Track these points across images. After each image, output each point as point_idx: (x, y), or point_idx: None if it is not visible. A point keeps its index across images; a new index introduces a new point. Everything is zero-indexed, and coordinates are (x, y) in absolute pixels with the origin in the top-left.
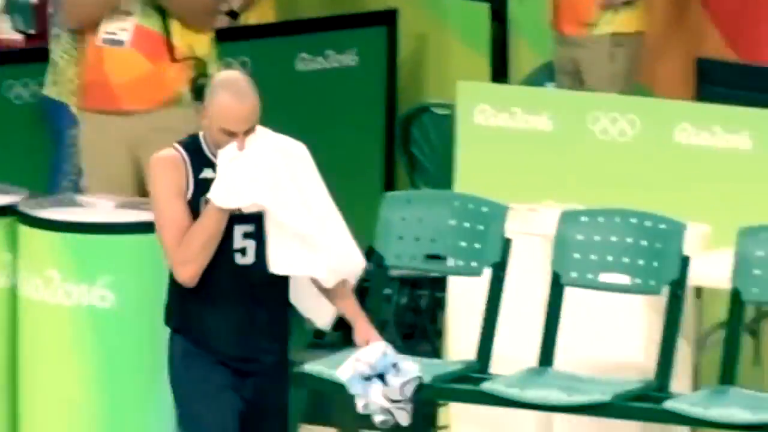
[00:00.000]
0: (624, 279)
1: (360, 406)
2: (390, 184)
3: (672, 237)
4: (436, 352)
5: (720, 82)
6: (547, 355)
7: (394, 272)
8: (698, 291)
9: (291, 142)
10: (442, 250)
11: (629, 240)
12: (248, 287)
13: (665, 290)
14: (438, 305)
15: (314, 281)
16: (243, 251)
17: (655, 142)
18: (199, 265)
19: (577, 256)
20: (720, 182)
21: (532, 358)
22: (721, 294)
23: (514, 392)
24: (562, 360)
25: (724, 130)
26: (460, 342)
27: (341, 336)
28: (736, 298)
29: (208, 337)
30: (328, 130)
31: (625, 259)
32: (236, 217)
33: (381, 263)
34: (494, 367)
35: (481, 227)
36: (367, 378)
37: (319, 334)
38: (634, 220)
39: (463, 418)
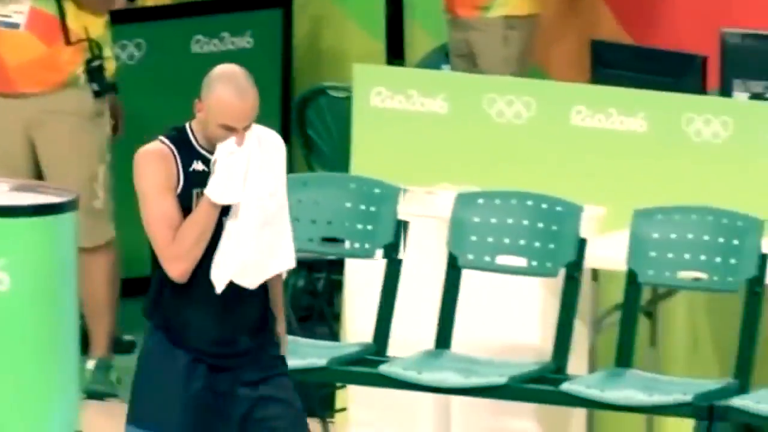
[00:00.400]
0: (521, 261)
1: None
2: (287, 167)
3: (568, 219)
4: (333, 334)
5: (615, 65)
6: (444, 338)
7: None
8: (594, 273)
9: (270, 133)
10: (338, 233)
11: (525, 222)
12: (230, 283)
13: (561, 272)
14: (335, 288)
15: None
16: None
17: (550, 124)
18: (192, 260)
19: (473, 238)
20: (615, 164)
21: (429, 341)
22: (618, 276)
23: (411, 375)
24: (459, 342)
25: (620, 113)
26: (357, 325)
27: None
28: (632, 280)
29: (188, 332)
30: None
31: (522, 242)
32: (224, 210)
33: None
34: (391, 350)
35: (376, 209)
36: None
37: None
38: (530, 203)
39: (360, 400)
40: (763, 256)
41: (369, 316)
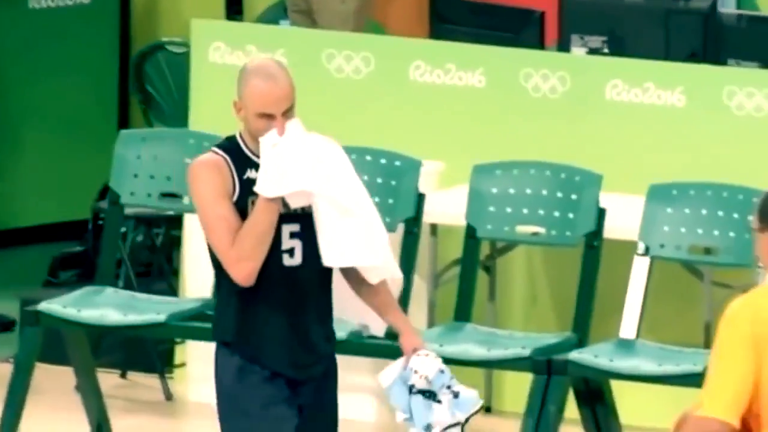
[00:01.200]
0: None
1: (400, 418)
2: (125, 123)
3: (407, 174)
4: (172, 290)
5: (453, 20)
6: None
7: (129, 210)
8: (433, 228)
9: (326, 140)
10: (177, 189)
11: (365, 177)
12: (297, 290)
13: (401, 227)
14: (174, 243)
15: (354, 283)
16: (291, 252)
17: (389, 79)
18: (256, 261)
19: None
20: (454, 119)
21: None
22: (457, 231)
23: None
24: None
25: (459, 68)
26: (196, 280)
27: (76, 275)
28: (470, 235)
29: (263, 348)
30: (62, 69)
31: None
32: (283, 217)
33: (116, 201)
34: None
35: None
36: (420, 392)
37: (53, 272)
38: (368, 158)
39: (199, 355)
40: (600, 211)
41: (208, 271)
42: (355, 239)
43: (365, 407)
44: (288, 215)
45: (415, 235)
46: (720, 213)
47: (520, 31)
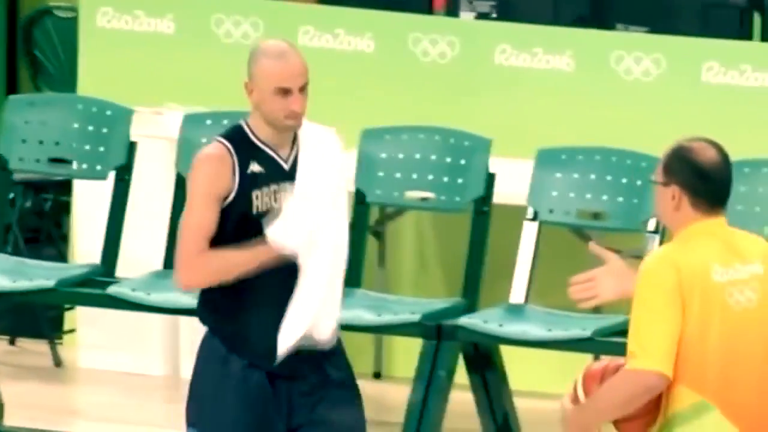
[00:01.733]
0: None
1: None
2: (12, 88)
3: None
4: (61, 256)
5: None
6: (172, 258)
7: (17, 176)
8: None
9: (325, 132)
10: (66, 154)
11: None
12: (282, 279)
13: None
14: (62, 209)
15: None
16: None
17: None
18: (204, 284)
19: None
20: (343, 84)
21: (158, 262)
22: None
23: (139, 295)
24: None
25: (348, 33)
26: (85, 246)
27: None
28: (360, 200)
29: (245, 337)
30: None
31: None
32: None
33: (4, 166)
34: (120, 271)
35: (106, 130)
36: None
37: None
38: None
39: (89, 321)
40: (490, 176)
41: (97, 237)
42: (337, 311)
43: (153, 362)
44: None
45: None
46: (608, 178)
47: None
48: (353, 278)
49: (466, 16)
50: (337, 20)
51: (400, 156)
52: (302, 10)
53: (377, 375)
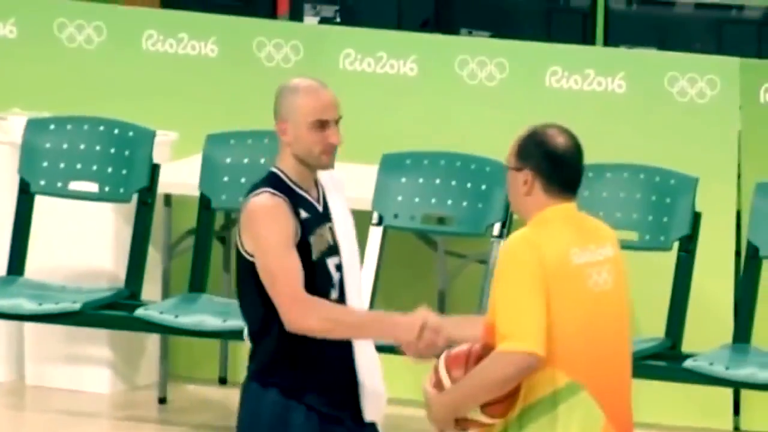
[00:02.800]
0: (92, 187)
1: None
2: None
3: (141, 144)
4: None
5: None
6: (16, 264)
7: None
8: (167, 198)
9: (337, 176)
10: None
11: (98, 148)
12: None
13: (134, 198)
14: None
15: None
16: (334, 285)
17: (122, 49)
18: (320, 330)
19: (45, 164)
20: (188, 89)
21: (2, 267)
22: (191, 201)
23: None
24: (33, 269)
25: (191, 37)
26: None
27: None
28: (204, 206)
29: (315, 381)
30: None
31: (94, 167)
32: (327, 251)
33: None
34: None
35: None
36: None
37: None
38: (102, 128)
39: None
40: None
41: None
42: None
43: (100, 379)
44: (330, 248)
45: (149, 205)
46: (453, 182)
47: (251, 0)
48: (199, 283)
49: (310, 20)
50: (180, 25)
51: (245, 161)
52: (145, 15)
53: (222, 380)
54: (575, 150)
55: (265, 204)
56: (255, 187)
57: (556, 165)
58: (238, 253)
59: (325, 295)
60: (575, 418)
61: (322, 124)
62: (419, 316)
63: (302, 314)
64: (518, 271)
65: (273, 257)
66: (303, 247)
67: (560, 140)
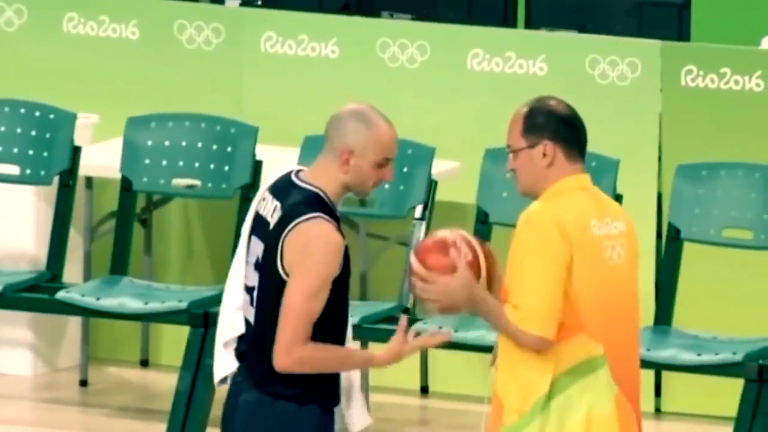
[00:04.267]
0: (14, 170)
1: None
2: None
3: (61, 127)
4: None
5: None
6: None
7: None
8: (89, 181)
9: None
10: None
11: (18, 130)
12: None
13: (56, 180)
14: None
15: None
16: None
17: (43, 32)
18: (303, 371)
19: None
20: (108, 72)
21: None
22: (112, 183)
23: None
24: None
25: (112, 20)
26: None
27: None
28: (125, 188)
29: (335, 400)
30: None
31: (15, 150)
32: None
33: None
34: None
35: None
36: None
37: None
38: (22, 110)
39: None
40: (257, 163)
41: None
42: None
43: (22, 361)
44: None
45: (70, 188)
46: None
47: None
48: (120, 266)
49: (232, 3)
50: (101, 7)
51: (167, 143)
52: None
53: (144, 363)
54: (576, 113)
55: (329, 239)
56: (298, 207)
57: (572, 128)
58: (273, 269)
59: (345, 331)
60: (598, 385)
61: (387, 162)
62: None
63: (287, 360)
64: (540, 247)
65: (306, 294)
66: (345, 274)
67: (563, 105)
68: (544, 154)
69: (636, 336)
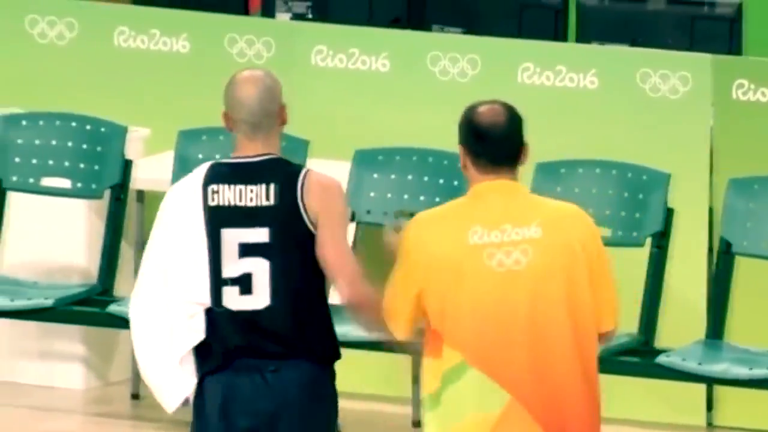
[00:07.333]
0: (65, 183)
1: None
2: None
3: (113, 140)
4: None
5: None
6: None
7: None
8: (140, 194)
9: None
10: None
11: (70, 144)
12: None
13: (107, 194)
14: None
15: None
16: None
17: (94, 45)
18: (364, 306)
19: (18, 160)
20: (160, 86)
21: None
22: (163, 197)
23: None
24: (5, 265)
25: (163, 33)
26: None
27: None
28: None
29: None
30: None
31: (67, 163)
32: None
33: None
34: None
35: None
36: None
37: None
38: (74, 124)
39: None
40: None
41: None
42: None
43: (74, 375)
44: None
45: (122, 201)
46: (425, 178)
47: None
48: None
49: (283, 17)
50: (152, 21)
51: (217, 156)
52: (117, 11)
53: None
54: (502, 124)
55: (334, 181)
56: (289, 168)
57: (478, 140)
58: (296, 236)
59: None
60: (466, 395)
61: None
62: None
63: (362, 292)
64: (402, 253)
65: (346, 235)
66: None
67: (487, 115)
68: (461, 157)
69: (546, 341)
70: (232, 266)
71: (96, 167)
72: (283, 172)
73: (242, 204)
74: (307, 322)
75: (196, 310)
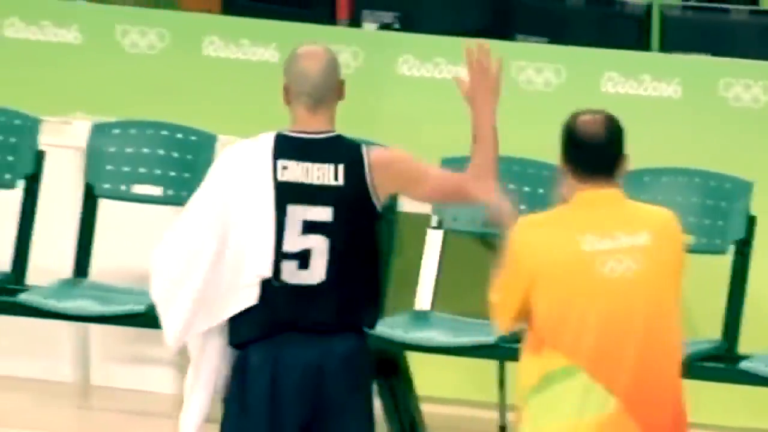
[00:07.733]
0: (156, 191)
1: None
2: None
3: (203, 149)
4: None
5: None
6: (81, 266)
7: None
8: None
9: None
10: None
11: (161, 152)
12: None
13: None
14: None
15: None
16: None
17: (184, 55)
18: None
19: (109, 167)
20: (249, 94)
21: (68, 270)
22: None
23: (50, 303)
24: (97, 271)
25: (252, 43)
26: None
27: None
28: None
29: None
30: None
31: (157, 171)
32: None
33: None
34: (30, 279)
35: (14, 140)
36: None
37: None
38: (165, 132)
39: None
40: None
41: (6, 245)
42: None
43: (166, 379)
44: None
45: None
46: (511, 186)
47: (313, 6)
48: None
49: (369, 26)
50: (241, 30)
51: None
52: (207, 21)
53: None
54: (601, 133)
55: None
56: (353, 145)
57: (577, 148)
58: (363, 203)
59: None
60: (571, 399)
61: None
62: None
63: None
64: (509, 254)
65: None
66: None
67: (586, 124)
68: (562, 170)
69: (653, 346)
70: (294, 241)
71: (186, 175)
72: (347, 152)
73: (309, 182)
74: (358, 300)
75: (254, 281)
